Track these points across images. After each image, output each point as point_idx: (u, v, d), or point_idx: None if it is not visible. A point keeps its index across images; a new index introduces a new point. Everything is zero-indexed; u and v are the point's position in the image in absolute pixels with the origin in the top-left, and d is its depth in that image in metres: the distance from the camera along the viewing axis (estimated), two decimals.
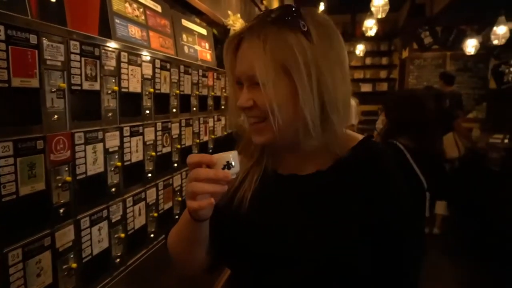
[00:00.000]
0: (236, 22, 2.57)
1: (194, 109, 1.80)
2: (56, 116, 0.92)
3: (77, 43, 0.98)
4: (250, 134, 0.69)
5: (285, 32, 0.61)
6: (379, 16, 4.16)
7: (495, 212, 3.03)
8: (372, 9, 4.12)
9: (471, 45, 5.83)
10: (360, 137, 0.73)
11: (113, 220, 1.16)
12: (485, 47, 6.01)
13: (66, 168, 0.96)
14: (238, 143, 0.77)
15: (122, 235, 1.19)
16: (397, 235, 0.67)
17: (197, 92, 1.82)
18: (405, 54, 7.43)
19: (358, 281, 0.65)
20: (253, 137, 0.68)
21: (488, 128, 4.82)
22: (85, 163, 1.03)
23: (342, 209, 0.65)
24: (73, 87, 0.97)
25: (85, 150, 1.03)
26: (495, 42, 5.06)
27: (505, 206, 2.85)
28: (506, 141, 3.51)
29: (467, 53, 6.02)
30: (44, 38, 0.87)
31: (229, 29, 2.55)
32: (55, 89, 0.91)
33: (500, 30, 4.90)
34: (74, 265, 0.97)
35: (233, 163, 0.59)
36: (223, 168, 0.59)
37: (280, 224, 0.67)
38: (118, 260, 1.18)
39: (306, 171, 0.70)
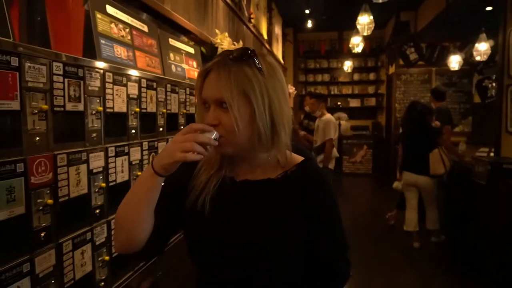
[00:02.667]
0: (224, 41, 2.60)
1: (182, 127, 1.80)
2: (37, 138, 0.91)
3: (60, 65, 0.98)
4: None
5: (245, 67, 0.78)
6: (365, 34, 4.25)
7: (482, 225, 3.05)
8: (358, 27, 4.22)
9: (455, 61, 5.99)
10: (301, 158, 0.90)
11: (97, 243, 1.14)
12: (469, 62, 6.17)
13: (48, 191, 0.94)
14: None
15: (107, 257, 1.17)
16: (327, 222, 0.86)
17: (185, 111, 1.82)
18: (391, 70, 7.58)
19: (289, 268, 0.81)
20: (216, 149, 0.81)
21: (474, 141, 4.90)
22: (68, 185, 1.01)
23: (282, 206, 0.82)
24: (55, 109, 0.97)
25: (68, 172, 1.01)
26: (478, 58, 5.21)
27: (491, 219, 2.87)
28: (491, 154, 3.56)
29: (452, 69, 6.18)
30: (26, 60, 0.87)
31: (217, 48, 2.58)
32: (36, 111, 0.90)
33: (481, 47, 5.05)
34: None
35: (216, 139, 0.77)
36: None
37: (230, 216, 0.82)
38: (102, 283, 1.15)
39: (258, 178, 0.85)
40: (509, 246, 2.61)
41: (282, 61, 7.45)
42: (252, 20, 4.79)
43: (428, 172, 3.54)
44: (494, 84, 5.09)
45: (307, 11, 6.31)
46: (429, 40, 6.41)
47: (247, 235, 0.80)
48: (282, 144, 0.83)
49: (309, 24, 6.77)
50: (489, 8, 4.69)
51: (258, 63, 0.79)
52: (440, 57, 6.44)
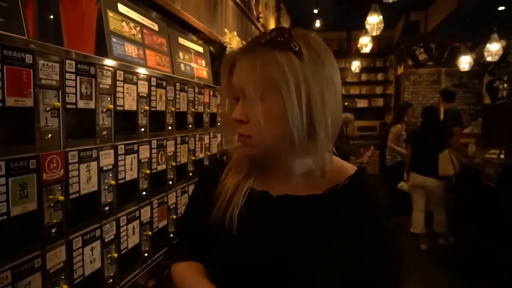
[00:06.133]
0: (232, 40, 2.60)
1: (190, 126, 1.81)
2: (50, 135, 0.91)
3: (73, 62, 0.99)
4: (239, 147, 0.73)
5: (275, 52, 0.64)
6: (374, 34, 4.22)
7: (491, 227, 3.01)
8: (367, 27, 4.19)
9: (465, 62, 5.92)
10: (353, 168, 0.76)
11: (106, 240, 1.15)
12: (479, 63, 6.09)
13: (59, 188, 0.95)
14: (227, 163, 0.81)
15: (115, 254, 1.17)
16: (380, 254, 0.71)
17: (193, 109, 1.82)
18: (400, 70, 7.52)
19: None
20: (240, 149, 0.71)
21: (484, 143, 4.85)
22: (79, 182, 1.02)
23: (329, 228, 0.69)
24: (67, 106, 0.97)
25: (78, 169, 1.02)
26: (489, 58, 5.14)
27: (501, 222, 2.83)
28: (502, 156, 3.52)
29: (462, 70, 6.11)
30: (39, 58, 0.88)
31: (226, 47, 2.58)
32: (49, 108, 0.91)
33: (493, 47, 4.99)
34: (65, 287, 0.95)
35: None
36: None
37: (264, 237, 0.70)
38: (110, 280, 1.16)
39: (298, 193, 0.71)
40: None
41: None
42: (261, 20, 4.79)
43: (436, 173, 3.51)
44: (505, 85, 5.01)
45: (315, 11, 6.28)
46: (439, 40, 6.35)
47: (285, 261, 0.66)
48: (321, 150, 0.67)
49: (318, 23, 6.74)
50: (501, 8, 4.63)
51: (295, 46, 0.64)
52: (450, 58, 6.36)
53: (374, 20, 4.09)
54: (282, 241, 0.68)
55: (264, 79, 0.63)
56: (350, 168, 0.75)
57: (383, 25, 4.14)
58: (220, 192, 0.75)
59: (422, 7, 6.70)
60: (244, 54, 0.67)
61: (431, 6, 6.50)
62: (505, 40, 4.80)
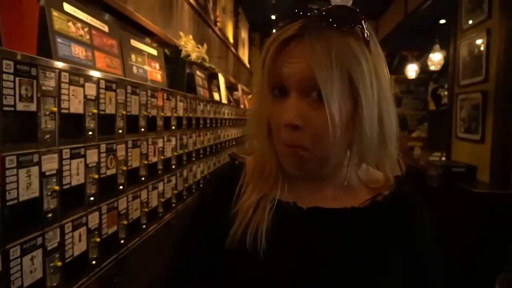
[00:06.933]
0: (188, 43, 2.59)
1: (142, 130, 1.78)
2: None
3: (11, 63, 0.94)
4: (282, 159, 0.57)
5: (350, 38, 0.52)
6: None
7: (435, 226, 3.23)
8: None
9: (412, 70, 6.33)
10: (387, 176, 0.63)
11: (49, 248, 1.10)
12: (425, 71, 6.53)
13: None
14: (242, 171, 0.65)
15: (59, 263, 1.13)
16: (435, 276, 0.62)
17: (146, 113, 1.80)
18: None
19: None
20: (287, 165, 0.56)
21: (429, 146, 5.19)
22: (17, 188, 0.97)
23: (380, 254, 0.56)
24: (5, 108, 0.93)
25: (17, 174, 0.97)
26: (432, 67, 5.53)
27: (443, 220, 3.05)
28: (443, 158, 3.78)
29: (409, 77, 6.51)
30: None
31: (181, 50, 2.56)
32: None
33: (435, 57, 5.37)
34: None
35: None
36: None
37: (297, 258, 0.56)
38: None
39: (334, 206, 0.59)
40: (458, 246, 2.78)
41: (248, 65, 7.50)
42: (218, 24, 4.80)
43: None
44: (446, 93, 5.42)
45: (273, 17, 6.41)
46: (389, 49, 6.72)
47: (324, 285, 0.55)
48: (391, 159, 0.58)
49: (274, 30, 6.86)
50: (442, 21, 5.00)
51: (366, 33, 0.53)
52: (399, 66, 6.78)
53: None
54: (319, 264, 0.55)
55: (340, 71, 0.49)
56: (385, 177, 0.63)
57: None
58: (239, 209, 0.60)
59: (374, 17, 7.06)
60: (309, 34, 0.51)
61: (382, 16, 6.87)
62: (445, 50, 5.19)
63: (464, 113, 3.09)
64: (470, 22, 2.95)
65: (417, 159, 4.22)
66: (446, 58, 5.32)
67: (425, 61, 6.19)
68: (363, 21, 0.53)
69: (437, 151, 4.43)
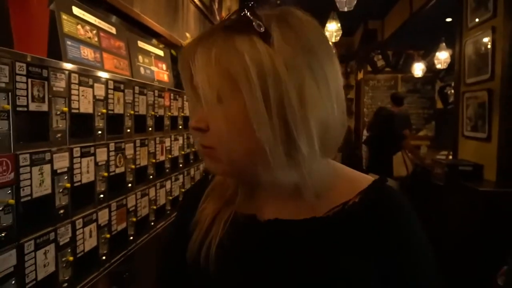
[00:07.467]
0: None
1: (150, 129, 1.81)
2: None
3: (24, 65, 0.98)
4: (203, 160, 0.58)
5: (236, 36, 0.48)
6: (333, 40, 4.40)
7: (440, 221, 3.22)
8: (326, 33, 4.36)
9: (418, 68, 6.29)
10: (368, 179, 0.56)
11: (61, 243, 1.14)
12: (432, 70, 6.49)
13: (9, 191, 0.93)
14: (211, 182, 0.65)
15: (71, 258, 1.17)
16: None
17: (153, 113, 1.83)
18: (360, 75, 7.84)
19: None
20: (206, 166, 0.56)
21: (436, 145, 5.17)
22: (31, 185, 1.01)
23: (339, 268, 0.50)
24: (18, 109, 0.97)
25: (30, 172, 1.01)
26: (439, 66, 5.50)
27: (448, 219, 3.04)
28: (450, 157, 3.77)
29: (416, 76, 6.48)
30: None
31: None
32: None
33: (442, 56, 5.34)
34: None
35: None
36: None
37: (250, 276, 0.53)
38: (65, 284, 1.15)
39: (295, 217, 0.54)
40: (463, 244, 2.78)
41: None
42: None
43: (391, 174, 3.70)
44: (453, 91, 5.39)
45: None
46: (395, 48, 6.70)
47: None
48: (307, 165, 0.49)
49: None
50: (448, 20, 4.97)
51: (260, 27, 0.48)
52: (405, 64, 6.74)
53: (332, 27, 4.27)
54: (279, 279, 0.51)
55: (220, 73, 0.47)
56: (363, 180, 0.56)
57: (341, 32, 4.33)
58: (198, 220, 0.59)
59: (379, 16, 7.03)
60: (200, 44, 0.50)
61: (387, 15, 6.84)
62: (451, 49, 5.17)
63: (470, 112, 3.08)
64: (476, 20, 2.95)
65: (424, 158, 4.21)
66: (452, 57, 5.30)
67: (431, 59, 6.15)
68: (256, 18, 0.49)
69: (444, 149, 4.41)
